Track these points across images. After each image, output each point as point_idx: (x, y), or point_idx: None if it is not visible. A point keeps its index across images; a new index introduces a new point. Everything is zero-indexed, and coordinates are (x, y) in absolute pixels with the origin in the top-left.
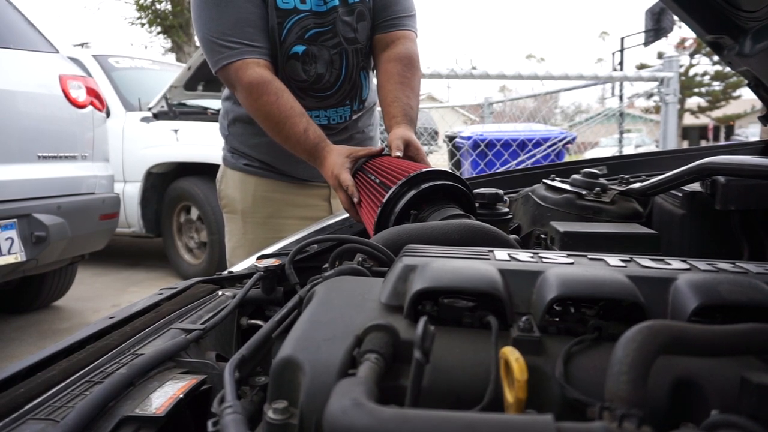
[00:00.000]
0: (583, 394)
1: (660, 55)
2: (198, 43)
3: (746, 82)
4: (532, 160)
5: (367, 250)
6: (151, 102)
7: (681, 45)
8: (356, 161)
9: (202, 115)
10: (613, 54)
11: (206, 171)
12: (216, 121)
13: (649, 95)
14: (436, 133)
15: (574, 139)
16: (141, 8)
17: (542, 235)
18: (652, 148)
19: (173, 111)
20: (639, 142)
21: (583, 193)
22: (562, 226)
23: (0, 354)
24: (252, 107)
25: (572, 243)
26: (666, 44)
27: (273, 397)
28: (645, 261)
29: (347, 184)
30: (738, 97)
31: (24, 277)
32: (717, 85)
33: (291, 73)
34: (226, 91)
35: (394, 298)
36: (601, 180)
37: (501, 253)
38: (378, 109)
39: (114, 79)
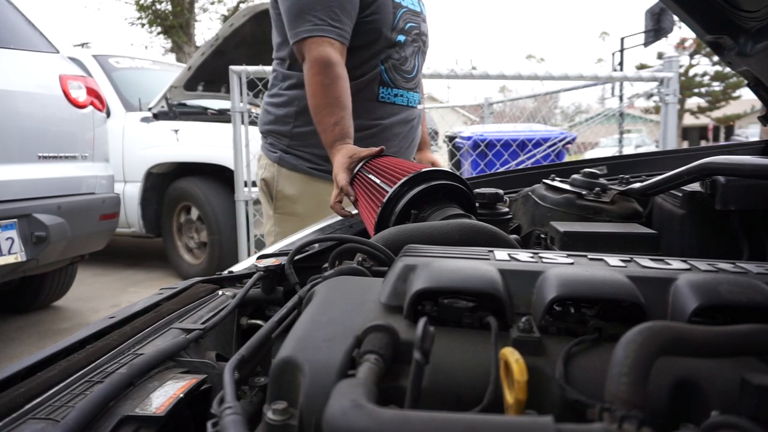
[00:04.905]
0: (583, 395)
1: (660, 56)
2: (196, 44)
3: (746, 82)
4: (532, 160)
5: (367, 250)
6: (151, 102)
7: (681, 45)
8: (358, 161)
9: (203, 115)
10: (613, 54)
11: (206, 171)
12: (216, 121)
13: (649, 95)
14: (436, 133)
15: (574, 139)
16: (141, 8)
17: (542, 235)
18: (652, 149)
19: (173, 111)
20: (639, 142)
21: (583, 193)
22: (562, 226)
23: (0, 354)
24: (308, 81)
25: (572, 243)
26: (666, 44)
27: (272, 398)
28: (645, 261)
29: (341, 184)
30: (738, 97)
31: (24, 277)
32: (717, 86)
33: (391, 54)
34: (288, 81)
35: (393, 298)
36: (601, 180)
37: (501, 253)
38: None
39: (114, 79)
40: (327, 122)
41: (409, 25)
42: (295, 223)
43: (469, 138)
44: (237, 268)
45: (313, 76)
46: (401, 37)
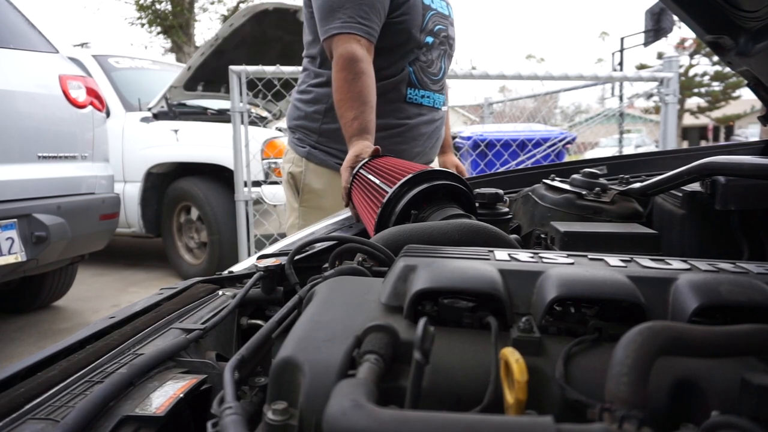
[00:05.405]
0: (583, 395)
1: (660, 56)
2: (196, 44)
3: (746, 82)
4: (532, 160)
5: (367, 250)
6: (151, 102)
7: (681, 45)
8: (361, 161)
9: (202, 115)
10: (613, 54)
11: (206, 171)
12: (216, 121)
13: (649, 95)
14: None
15: (574, 139)
16: (141, 8)
17: (542, 235)
18: (652, 149)
19: (173, 111)
20: (639, 142)
21: (583, 193)
22: (562, 226)
23: (0, 354)
24: (333, 77)
25: (572, 243)
26: (666, 44)
27: (272, 398)
28: (645, 261)
29: (343, 185)
30: (738, 97)
31: (24, 277)
32: (717, 86)
33: (419, 55)
34: (318, 79)
35: (394, 298)
36: (601, 180)
37: (501, 254)
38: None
39: (114, 79)
40: (347, 117)
41: (437, 27)
42: (320, 216)
43: (468, 138)
44: (237, 268)
45: (338, 71)
46: (429, 39)
